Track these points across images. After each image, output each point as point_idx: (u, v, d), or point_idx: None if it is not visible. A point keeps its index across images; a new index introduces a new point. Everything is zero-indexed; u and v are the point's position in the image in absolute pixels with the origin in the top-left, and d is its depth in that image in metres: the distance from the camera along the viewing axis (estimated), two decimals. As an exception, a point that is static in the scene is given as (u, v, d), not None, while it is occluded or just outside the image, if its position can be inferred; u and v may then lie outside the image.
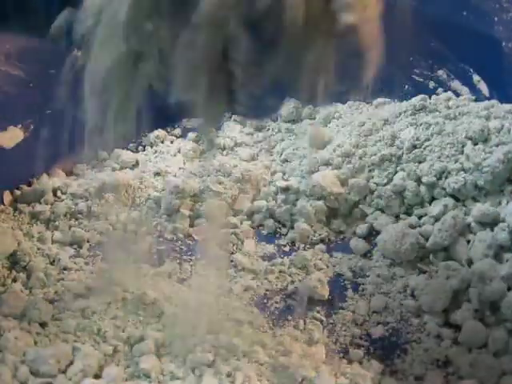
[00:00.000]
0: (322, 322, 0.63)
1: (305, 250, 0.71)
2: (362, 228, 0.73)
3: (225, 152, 0.82)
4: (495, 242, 0.66)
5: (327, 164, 0.76)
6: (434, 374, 0.58)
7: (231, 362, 0.57)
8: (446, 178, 0.71)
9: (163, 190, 0.75)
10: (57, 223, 0.72)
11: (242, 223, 0.73)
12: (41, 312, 0.60)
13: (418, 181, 0.72)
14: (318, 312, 0.64)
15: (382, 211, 0.73)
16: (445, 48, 0.83)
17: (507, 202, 0.68)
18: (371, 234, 0.72)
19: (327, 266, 0.70)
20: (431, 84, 0.85)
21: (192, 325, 0.60)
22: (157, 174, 0.78)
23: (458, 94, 0.81)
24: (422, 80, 0.86)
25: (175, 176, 0.78)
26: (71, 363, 0.56)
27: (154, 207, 0.74)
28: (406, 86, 0.85)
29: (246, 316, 0.63)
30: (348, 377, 0.57)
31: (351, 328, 0.62)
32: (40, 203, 0.74)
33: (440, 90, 0.83)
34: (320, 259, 0.70)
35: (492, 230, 0.67)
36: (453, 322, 0.62)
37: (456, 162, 0.71)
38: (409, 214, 0.72)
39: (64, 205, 0.73)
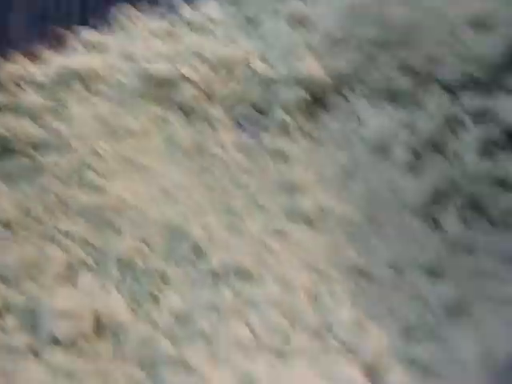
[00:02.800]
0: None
1: (284, 139, 0.68)
2: (346, 117, 0.68)
3: (200, 31, 0.76)
4: (487, 138, 0.62)
5: (307, 46, 0.70)
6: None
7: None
8: (441, 65, 0.65)
9: (131, 75, 0.69)
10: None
11: (217, 112, 0.69)
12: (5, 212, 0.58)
13: (409, 69, 0.66)
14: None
15: (368, 99, 0.68)
16: None
17: (502, 93, 0.64)
18: (354, 122, 0.68)
19: (306, 157, 0.67)
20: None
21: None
22: (125, 57, 0.72)
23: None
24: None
25: (144, 59, 0.71)
26: (40, 268, 0.55)
27: (122, 93, 0.69)
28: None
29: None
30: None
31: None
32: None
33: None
34: (298, 148, 0.67)
35: (485, 126, 0.63)
36: (439, 224, 0.60)
37: (451, 47, 0.65)
38: (396, 103, 0.67)
39: (29, 97, 0.67)
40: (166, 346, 0.52)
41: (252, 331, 0.55)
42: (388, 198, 0.64)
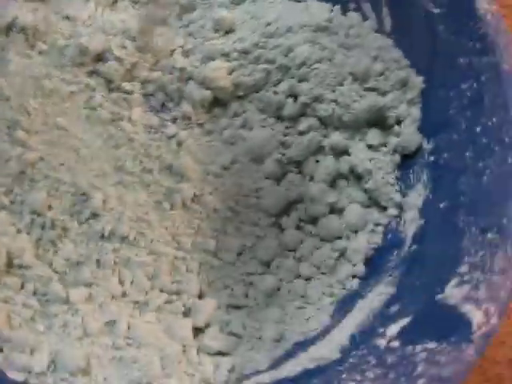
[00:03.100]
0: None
1: (184, 129, 0.81)
2: (237, 120, 0.82)
3: (137, 6, 0.84)
4: (335, 170, 0.80)
5: (224, 54, 0.82)
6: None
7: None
8: (320, 103, 0.80)
9: (70, 39, 0.78)
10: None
11: (136, 92, 0.80)
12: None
13: (295, 97, 0.81)
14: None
15: (259, 111, 0.83)
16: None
17: (359, 141, 0.80)
18: (243, 128, 0.82)
19: (197, 148, 0.80)
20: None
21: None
22: (66, 18, 0.80)
23: (366, 17, 0.84)
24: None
25: (84, 25, 0.80)
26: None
27: (58, 55, 0.78)
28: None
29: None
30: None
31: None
32: None
33: (352, 5, 0.86)
34: (193, 140, 0.81)
35: (337, 160, 0.80)
36: (281, 229, 0.78)
37: (333, 92, 0.80)
38: (279, 122, 0.82)
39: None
40: (57, 286, 0.66)
41: (122, 285, 0.69)
42: (251, 199, 0.80)
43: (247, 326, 0.72)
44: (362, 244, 0.77)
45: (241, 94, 0.82)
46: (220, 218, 0.77)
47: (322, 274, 0.76)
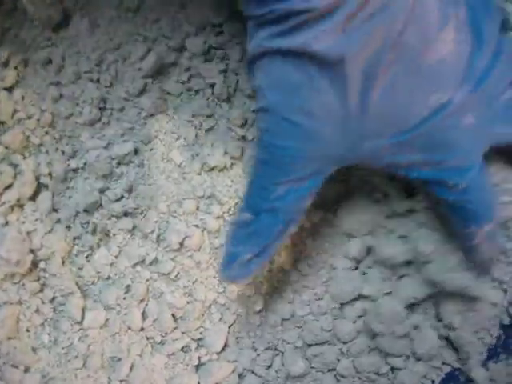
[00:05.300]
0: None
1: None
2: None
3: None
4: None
5: None
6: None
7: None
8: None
9: None
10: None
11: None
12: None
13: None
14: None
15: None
16: None
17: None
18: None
19: None
20: None
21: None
22: None
23: None
24: None
25: None
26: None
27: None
28: None
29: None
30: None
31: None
32: None
33: None
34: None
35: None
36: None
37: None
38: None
39: None
40: (76, 303, 0.61)
41: (143, 319, 0.63)
42: (323, 274, 0.67)
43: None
44: (418, 375, 0.66)
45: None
46: (281, 279, 0.66)
47: (360, 380, 0.67)
